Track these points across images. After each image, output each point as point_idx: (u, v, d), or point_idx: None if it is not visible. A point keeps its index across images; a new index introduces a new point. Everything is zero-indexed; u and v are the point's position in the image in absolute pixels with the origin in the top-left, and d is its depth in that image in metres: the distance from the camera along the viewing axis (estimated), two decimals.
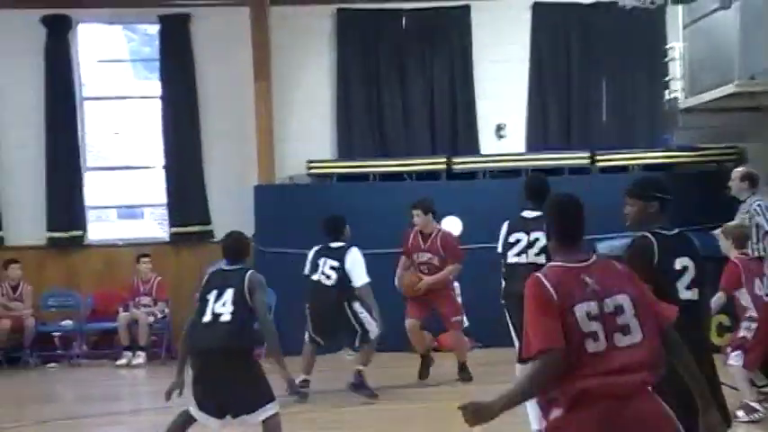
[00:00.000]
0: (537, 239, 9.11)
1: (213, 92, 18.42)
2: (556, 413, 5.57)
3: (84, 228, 18.11)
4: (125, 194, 19.93)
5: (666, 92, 17.29)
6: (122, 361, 16.05)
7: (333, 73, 18.43)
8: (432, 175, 17.58)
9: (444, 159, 17.67)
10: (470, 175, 17.86)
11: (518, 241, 9.90)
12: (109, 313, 16.96)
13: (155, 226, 18.48)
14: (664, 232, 6.95)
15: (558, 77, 18.68)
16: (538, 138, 18.75)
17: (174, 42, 18.50)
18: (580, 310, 5.45)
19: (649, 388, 5.60)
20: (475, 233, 15.17)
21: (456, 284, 13.85)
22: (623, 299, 5.50)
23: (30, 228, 18.13)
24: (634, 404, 5.50)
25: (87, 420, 12.15)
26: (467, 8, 18.24)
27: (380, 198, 16.61)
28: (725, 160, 16.65)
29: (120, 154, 20.20)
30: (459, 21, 18.30)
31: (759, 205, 11.90)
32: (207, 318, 8.71)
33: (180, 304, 15.71)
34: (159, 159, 18.60)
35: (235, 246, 9.27)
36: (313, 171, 17.76)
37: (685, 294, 6.86)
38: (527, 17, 18.50)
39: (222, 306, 8.72)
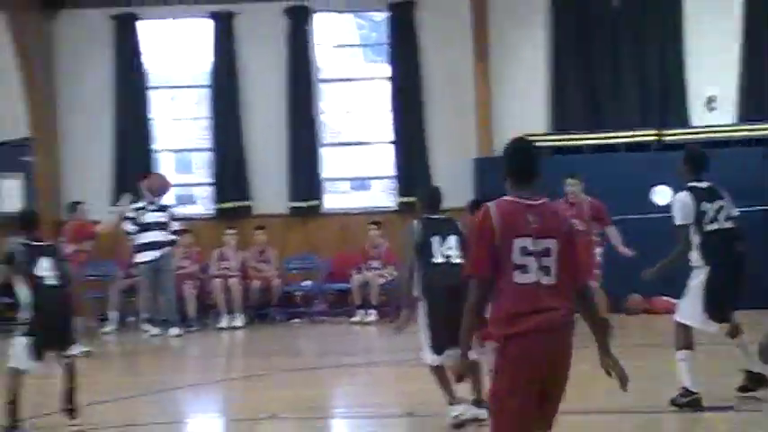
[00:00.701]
0: (721, 207, 9.47)
1: (436, 72, 18.94)
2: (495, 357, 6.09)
3: (320, 198, 18.93)
4: (357, 167, 20.58)
5: None
6: (356, 318, 16.93)
7: (547, 51, 18.72)
8: (641, 147, 17.70)
9: (654, 131, 17.76)
10: (680, 146, 16.93)
11: (707, 211, 10.07)
12: (344, 275, 17.82)
13: (383, 196, 19.15)
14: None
15: None
16: (750, 109, 18.41)
17: (402, 27, 19.16)
18: (517, 243, 5.90)
19: (565, 325, 6.07)
20: None
21: (599, 249, 14.45)
22: (552, 243, 5.93)
23: (274, 198, 19.18)
24: (554, 338, 6.03)
25: (326, 371, 13.05)
26: None
27: (593, 169, 16.48)
28: None
29: (353, 131, 20.83)
30: None
31: None
32: (438, 259, 9.39)
33: None
34: (388, 135, 19.15)
35: (438, 198, 10.10)
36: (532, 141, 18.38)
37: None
38: None
39: (449, 249, 9.51)
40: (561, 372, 6.01)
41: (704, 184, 10.20)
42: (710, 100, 18.32)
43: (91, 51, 19.40)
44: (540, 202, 6.02)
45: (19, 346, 9.98)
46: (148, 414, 11.27)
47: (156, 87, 20.06)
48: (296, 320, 17.94)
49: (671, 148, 17.05)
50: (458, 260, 9.51)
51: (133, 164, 19.05)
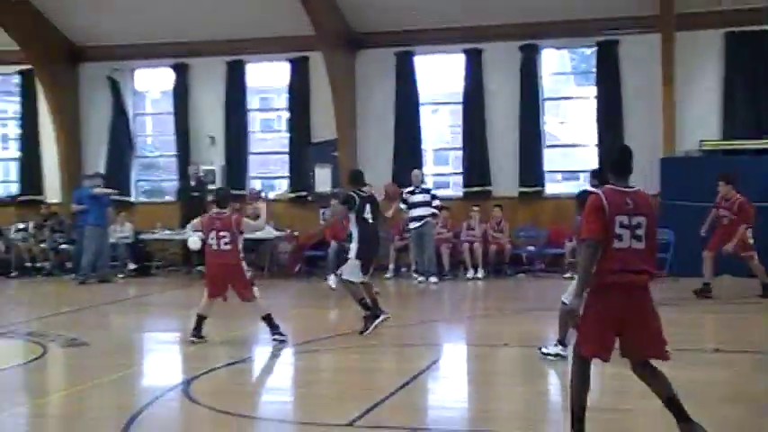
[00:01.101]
0: None
1: (632, 93, 19.27)
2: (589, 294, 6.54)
3: (542, 185, 19.88)
4: (569, 163, 21.61)
5: None
6: (567, 275, 16.35)
7: (720, 76, 19.15)
8: None
9: None
10: None
11: None
12: (559, 242, 18.57)
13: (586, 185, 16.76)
14: None
15: None
16: None
17: (606, 59, 19.49)
18: (618, 219, 6.40)
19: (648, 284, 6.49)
20: None
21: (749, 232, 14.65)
22: (643, 220, 6.47)
23: (508, 184, 20.01)
24: (638, 293, 6.49)
25: (544, 312, 12.45)
26: None
27: (753, 168, 16.84)
28: None
29: (567, 136, 22.08)
30: None
31: None
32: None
33: None
34: (593, 140, 19.69)
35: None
36: (704, 148, 18.66)
37: None
38: None
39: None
40: (638, 317, 6.48)
41: None
42: None
43: (381, 78, 20.85)
44: (634, 189, 6.61)
45: (352, 265, 11.73)
46: (419, 337, 12.18)
47: (424, 104, 21.30)
48: (521, 275, 18.81)
49: None
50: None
51: (406, 159, 20.30)
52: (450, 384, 9.91)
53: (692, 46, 19.10)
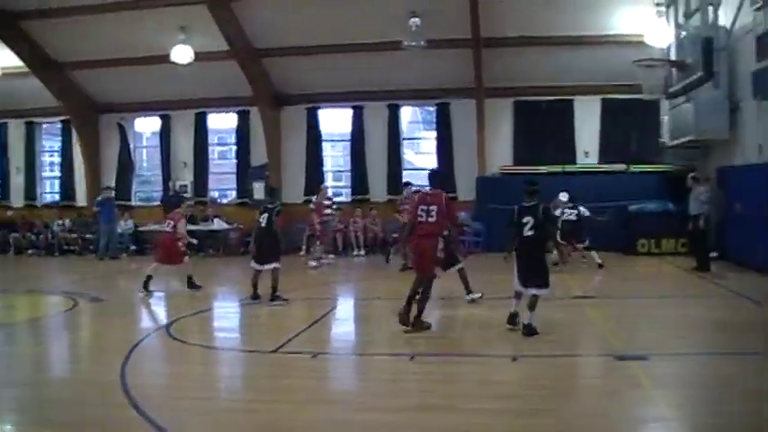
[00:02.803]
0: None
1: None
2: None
3: None
4: None
5: (661, 137, 17.39)
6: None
7: (512, 127, 19.32)
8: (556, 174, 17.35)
9: (561, 166, 17.88)
10: (574, 173, 17.62)
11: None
12: None
13: None
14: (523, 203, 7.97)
15: None
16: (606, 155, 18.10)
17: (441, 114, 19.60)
18: (420, 207, 7.96)
19: (437, 232, 7.83)
20: None
21: None
22: (434, 207, 7.92)
23: (380, 192, 19.92)
24: (427, 242, 7.96)
25: None
26: None
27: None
28: (685, 169, 15.96)
29: None
30: None
31: (699, 192, 13.51)
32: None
33: None
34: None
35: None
36: (503, 171, 18.67)
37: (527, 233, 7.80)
38: None
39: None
40: (425, 253, 7.82)
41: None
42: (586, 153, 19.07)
43: (297, 124, 20.31)
44: (434, 192, 8.04)
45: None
46: (323, 294, 12.04)
47: (326, 140, 20.83)
48: (391, 252, 17.35)
49: (570, 174, 17.78)
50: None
51: (314, 177, 19.61)
52: (342, 324, 9.81)
53: (494, 107, 19.24)
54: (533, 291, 7.87)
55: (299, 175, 20.29)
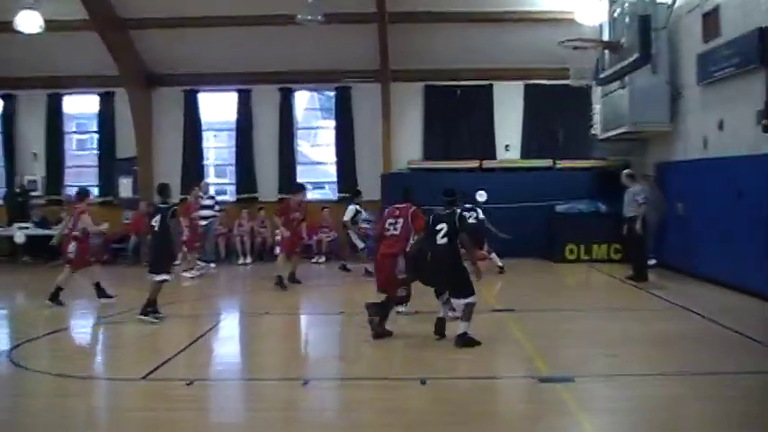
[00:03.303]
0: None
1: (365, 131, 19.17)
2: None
3: None
4: None
5: (592, 129, 17.78)
6: None
7: (423, 114, 19.55)
8: (472, 170, 17.88)
9: (478, 162, 18.24)
10: (492, 170, 17.94)
11: None
12: None
13: None
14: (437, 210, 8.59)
15: None
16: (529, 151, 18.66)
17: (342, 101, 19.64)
18: (387, 220, 8.89)
19: (397, 251, 8.60)
20: None
21: None
22: (400, 220, 8.85)
23: (270, 190, 19.74)
24: (386, 259, 8.77)
25: None
26: None
27: (448, 182, 15.86)
28: (619, 165, 16.40)
29: None
30: None
31: (635, 191, 13.55)
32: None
33: None
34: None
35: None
36: (411, 166, 18.93)
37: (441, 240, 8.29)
38: None
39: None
40: (386, 268, 8.63)
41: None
42: (506, 146, 19.38)
43: (172, 110, 20.11)
44: (402, 206, 9.00)
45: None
46: (202, 309, 12.10)
47: (207, 129, 20.79)
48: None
49: (488, 171, 18.17)
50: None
51: (193, 172, 19.49)
52: (224, 344, 9.74)
53: (402, 93, 19.45)
54: (463, 301, 8.30)
55: (174, 169, 19.93)
